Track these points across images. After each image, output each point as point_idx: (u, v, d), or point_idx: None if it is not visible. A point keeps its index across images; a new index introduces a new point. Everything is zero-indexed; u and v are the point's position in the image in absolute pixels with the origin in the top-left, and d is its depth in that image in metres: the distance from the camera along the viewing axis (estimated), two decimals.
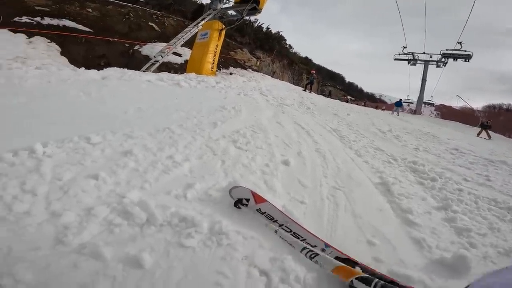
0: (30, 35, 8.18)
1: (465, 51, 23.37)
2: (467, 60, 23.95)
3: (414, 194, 2.71)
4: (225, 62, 13.71)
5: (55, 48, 8.55)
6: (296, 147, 3.28)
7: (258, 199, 1.82)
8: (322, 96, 15.19)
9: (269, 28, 24.27)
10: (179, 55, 11.19)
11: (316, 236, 1.57)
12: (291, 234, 1.64)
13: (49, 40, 8.56)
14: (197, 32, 10.03)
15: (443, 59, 24.53)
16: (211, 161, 2.57)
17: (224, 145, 2.97)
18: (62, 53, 8.56)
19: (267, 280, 1.28)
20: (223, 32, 9.79)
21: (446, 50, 24.19)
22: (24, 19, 8.92)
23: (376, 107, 23.03)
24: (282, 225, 1.69)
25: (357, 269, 1.35)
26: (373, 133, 5.39)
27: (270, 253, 1.49)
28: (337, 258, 1.48)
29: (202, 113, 3.94)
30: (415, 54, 25.39)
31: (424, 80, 25.37)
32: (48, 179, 1.79)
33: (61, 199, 1.63)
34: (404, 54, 25.65)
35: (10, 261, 1.17)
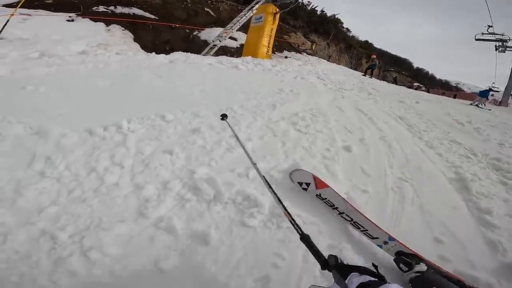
0: (107, 23, 9.25)
1: None
2: None
3: (496, 194, 2.37)
4: (279, 45, 13.47)
5: (129, 35, 9.53)
6: (359, 134, 3.11)
7: (320, 184, 1.78)
8: (384, 82, 13.89)
9: (323, 11, 23.02)
10: (235, 39, 11.40)
11: (379, 227, 1.50)
12: (351, 223, 1.60)
13: (123, 28, 9.56)
14: (251, 16, 10.02)
15: None
16: (272, 141, 2.62)
17: (284, 127, 2.99)
18: (134, 40, 9.51)
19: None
20: (278, 16, 9.58)
21: None
22: (101, 8, 10.08)
23: (455, 96, 19.66)
24: (343, 213, 1.65)
25: (422, 265, 1.29)
26: (448, 124, 4.74)
27: (328, 240, 1.51)
28: (400, 252, 1.41)
29: (260, 95, 4.00)
30: (504, 35, 20.64)
31: None
32: (133, 153, 2.08)
33: (143, 172, 1.88)
34: (490, 34, 21.08)
35: (100, 233, 1.35)
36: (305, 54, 14.51)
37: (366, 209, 1.84)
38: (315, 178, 1.81)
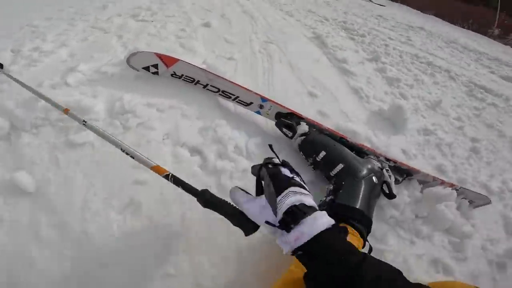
0: None
1: None
2: None
3: (347, 47, 2.62)
4: None
5: None
6: (219, 11, 2.67)
7: (168, 60, 1.37)
8: None
9: None
10: None
11: (249, 90, 1.27)
12: (220, 93, 1.32)
13: None
14: None
15: None
16: (102, 39, 1.87)
17: (120, 22, 2.20)
18: None
19: (201, 159, 1.03)
20: None
21: None
22: None
23: None
24: (207, 84, 1.33)
25: (303, 124, 1.14)
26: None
27: (198, 123, 1.19)
28: (279, 114, 1.24)
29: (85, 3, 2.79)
30: None
31: None
32: None
33: None
34: None
35: None
36: None
37: (237, 76, 1.61)
38: (160, 56, 1.36)
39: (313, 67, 1.95)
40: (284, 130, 1.17)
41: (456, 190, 1.10)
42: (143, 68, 1.40)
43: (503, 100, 2.73)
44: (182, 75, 1.38)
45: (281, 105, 1.24)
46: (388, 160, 1.11)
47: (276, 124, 1.20)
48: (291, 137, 1.14)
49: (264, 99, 1.25)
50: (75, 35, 1.92)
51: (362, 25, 4.11)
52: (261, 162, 0.61)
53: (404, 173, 1.12)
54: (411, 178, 1.13)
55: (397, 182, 1.07)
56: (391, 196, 0.95)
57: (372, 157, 1.08)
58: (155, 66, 1.39)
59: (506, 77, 3.83)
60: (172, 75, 1.40)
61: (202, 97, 1.34)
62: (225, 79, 1.30)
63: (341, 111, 1.55)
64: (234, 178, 0.98)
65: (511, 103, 2.72)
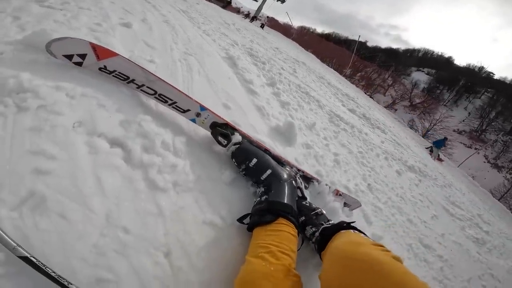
0: None
1: None
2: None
3: (252, 71, 3.14)
4: None
5: None
6: (140, 16, 2.66)
7: (103, 52, 1.25)
8: None
9: None
10: None
11: (189, 97, 1.31)
12: (156, 97, 1.31)
13: None
14: None
15: None
16: None
17: (19, 4, 1.86)
18: None
19: (123, 152, 0.97)
20: None
21: None
22: None
23: (224, 7, 21.99)
24: (143, 85, 1.29)
25: (237, 135, 1.29)
26: (219, 22, 5.42)
27: (119, 115, 1.11)
28: (214, 124, 1.33)
29: None
30: None
31: None
32: None
33: None
34: None
35: None
36: None
37: None
38: (95, 47, 1.24)
39: (226, 83, 2.28)
40: (220, 138, 1.27)
41: (340, 195, 1.50)
42: (64, 55, 1.23)
43: (350, 127, 3.97)
44: (115, 70, 1.28)
45: (218, 115, 1.32)
46: (298, 170, 1.39)
47: (212, 133, 1.29)
48: (225, 146, 1.26)
49: (202, 108, 1.30)
50: None
51: (263, 54, 4.95)
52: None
53: (308, 180, 1.43)
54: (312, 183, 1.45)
55: (306, 187, 1.37)
56: (304, 198, 1.21)
57: (287, 167, 1.33)
58: (82, 56, 1.24)
59: (351, 110, 5.57)
60: (100, 68, 1.28)
61: (122, 91, 1.28)
62: (168, 83, 1.28)
63: (250, 124, 1.84)
64: (163, 172, 0.99)
65: (355, 129, 4.00)
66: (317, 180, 1.46)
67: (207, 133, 1.35)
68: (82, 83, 1.18)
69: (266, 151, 1.34)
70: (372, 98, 22.64)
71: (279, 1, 26.94)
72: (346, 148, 3.00)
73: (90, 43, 1.25)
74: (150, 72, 1.28)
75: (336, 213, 1.37)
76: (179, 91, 1.30)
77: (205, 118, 1.32)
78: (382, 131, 6.07)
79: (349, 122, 4.16)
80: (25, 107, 0.91)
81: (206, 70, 2.26)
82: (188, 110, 1.31)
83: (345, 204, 1.53)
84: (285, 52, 7.48)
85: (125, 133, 1.03)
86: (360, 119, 5.43)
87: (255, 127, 1.82)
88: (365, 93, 21.86)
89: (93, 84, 1.22)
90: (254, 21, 19.08)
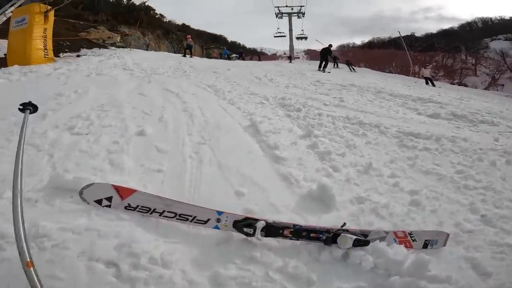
0: None
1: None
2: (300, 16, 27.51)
3: (282, 127, 2.75)
4: (74, 45, 11.26)
5: None
6: (159, 113, 2.85)
7: (124, 192, 1.39)
8: (206, 58, 15.14)
9: (131, 1, 22.24)
10: None
11: (205, 208, 1.34)
12: (176, 218, 1.34)
13: None
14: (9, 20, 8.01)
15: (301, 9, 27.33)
16: (33, 160, 1.88)
17: (54, 136, 2.25)
18: None
19: (116, 270, 1.08)
20: (51, 14, 7.99)
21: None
22: None
23: (259, 59, 23.85)
24: (164, 211, 1.35)
25: (260, 222, 1.27)
26: (250, 80, 5.49)
27: (114, 241, 1.20)
28: (236, 221, 1.30)
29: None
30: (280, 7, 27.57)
31: (290, 30, 28.37)
32: None
33: None
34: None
35: None
36: (113, 48, 13.03)
37: (163, 189, 1.60)
38: (117, 188, 1.39)
39: (244, 160, 2.02)
40: (245, 230, 1.26)
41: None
42: (95, 201, 1.37)
43: (435, 141, 2.69)
44: (138, 206, 1.37)
45: (235, 214, 1.33)
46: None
47: (238, 230, 1.29)
48: (252, 234, 1.25)
49: (219, 212, 1.32)
50: (8, 155, 1.86)
51: (300, 96, 4.52)
52: None
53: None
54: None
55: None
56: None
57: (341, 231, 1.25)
58: (109, 198, 1.38)
59: (433, 115, 4.10)
60: (126, 207, 1.37)
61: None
62: (182, 202, 1.36)
63: (270, 204, 1.56)
64: (150, 284, 1.03)
65: (443, 141, 2.66)
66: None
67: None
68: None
69: (296, 225, 1.29)
70: (464, 85, 18.64)
71: (303, 39, 28.66)
72: (431, 176, 2.03)
73: (113, 186, 1.40)
74: (165, 198, 1.38)
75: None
76: (194, 206, 1.37)
77: (226, 221, 1.32)
78: (489, 123, 4.06)
79: (432, 135, 2.80)
80: (43, 247, 1.13)
81: (220, 154, 2.07)
82: (208, 219, 1.33)
83: (425, 245, 1.29)
84: (328, 81, 6.86)
85: (117, 255, 1.13)
86: (449, 122, 3.78)
87: (276, 205, 1.56)
88: (452, 83, 18.25)
89: (93, 219, 1.32)
90: (293, 61, 19.89)
